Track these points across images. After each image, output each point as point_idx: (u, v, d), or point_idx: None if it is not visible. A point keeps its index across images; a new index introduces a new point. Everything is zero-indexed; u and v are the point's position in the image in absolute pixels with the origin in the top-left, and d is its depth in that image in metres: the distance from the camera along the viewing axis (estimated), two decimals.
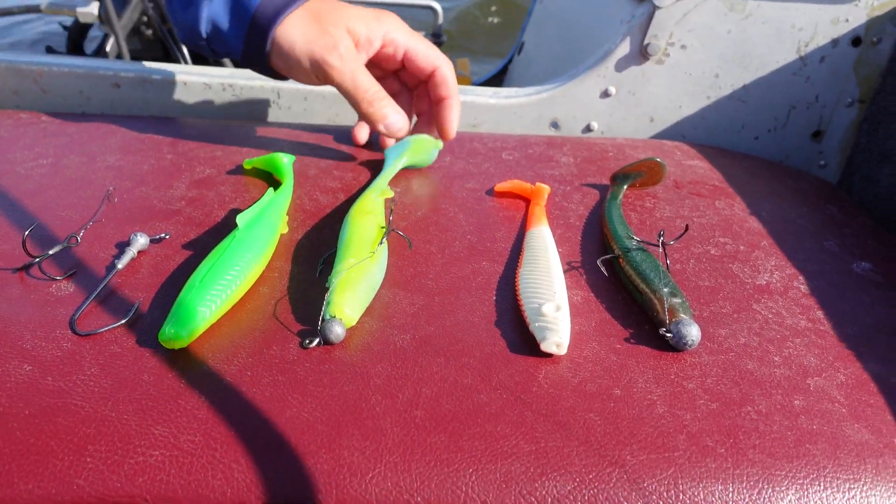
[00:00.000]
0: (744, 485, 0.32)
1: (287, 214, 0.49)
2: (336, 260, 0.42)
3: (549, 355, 0.38)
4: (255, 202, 0.47)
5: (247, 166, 0.56)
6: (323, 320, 0.38)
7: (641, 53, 0.67)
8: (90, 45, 1.78)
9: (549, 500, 0.31)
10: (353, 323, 0.39)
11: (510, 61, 1.24)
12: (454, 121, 0.57)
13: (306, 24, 0.51)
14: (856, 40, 0.66)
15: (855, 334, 0.42)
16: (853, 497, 0.32)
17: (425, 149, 0.58)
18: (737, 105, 0.70)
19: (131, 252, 0.44)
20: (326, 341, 0.38)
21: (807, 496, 0.32)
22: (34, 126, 0.61)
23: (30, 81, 0.65)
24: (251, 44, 0.53)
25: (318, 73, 0.52)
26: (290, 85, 0.69)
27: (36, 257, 0.42)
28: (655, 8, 0.65)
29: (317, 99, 0.70)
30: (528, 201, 0.55)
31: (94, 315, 0.39)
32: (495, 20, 3.57)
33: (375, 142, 0.63)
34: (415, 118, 0.62)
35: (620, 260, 0.45)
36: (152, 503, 0.30)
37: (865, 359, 0.40)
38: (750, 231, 0.53)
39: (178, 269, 0.43)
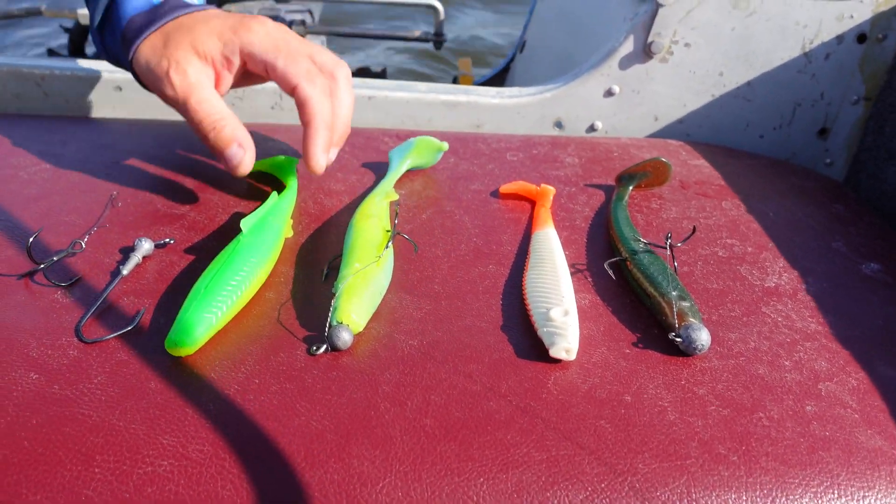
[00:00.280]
0: (757, 493, 0.31)
1: (291, 218, 0.49)
2: (342, 265, 0.42)
3: (557, 361, 0.38)
4: (259, 206, 0.47)
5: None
6: (330, 326, 0.38)
7: (645, 52, 0.67)
8: (92, 48, 1.77)
9: None
10: (361, 329, 0.38)
11: (512, 59, 1.24)
12: (314, 153, 0.47)
13: (152, 49, 0.48)
14: (861, 37, 0.66)
15: (865, 337, 0.42)
16: None
17: (429, 150, 0.57)
18: (741, 103, 0.70)
19: (136, 258, 0.43)
20: (334, 348, 0.37)
21: None
22: (36, 130, 0.61)
23: (31, 85, 0.65)
24: (124, 63, 0.51)
25: (163, 99, 0.49)
26: None
27: (40, 263, 0.42)
28: (659, 5, 0.64)
29: None
30: (533, 203, 0.54)
31: (99, 322, 0.39)
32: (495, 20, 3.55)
33: (374, 146, 0.63)
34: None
35: (628, 263, 0.45)
36: None
37: (877, 363, 0.40)
38: (757, 232, 0.53)
39: (183, 275, 0.43)
